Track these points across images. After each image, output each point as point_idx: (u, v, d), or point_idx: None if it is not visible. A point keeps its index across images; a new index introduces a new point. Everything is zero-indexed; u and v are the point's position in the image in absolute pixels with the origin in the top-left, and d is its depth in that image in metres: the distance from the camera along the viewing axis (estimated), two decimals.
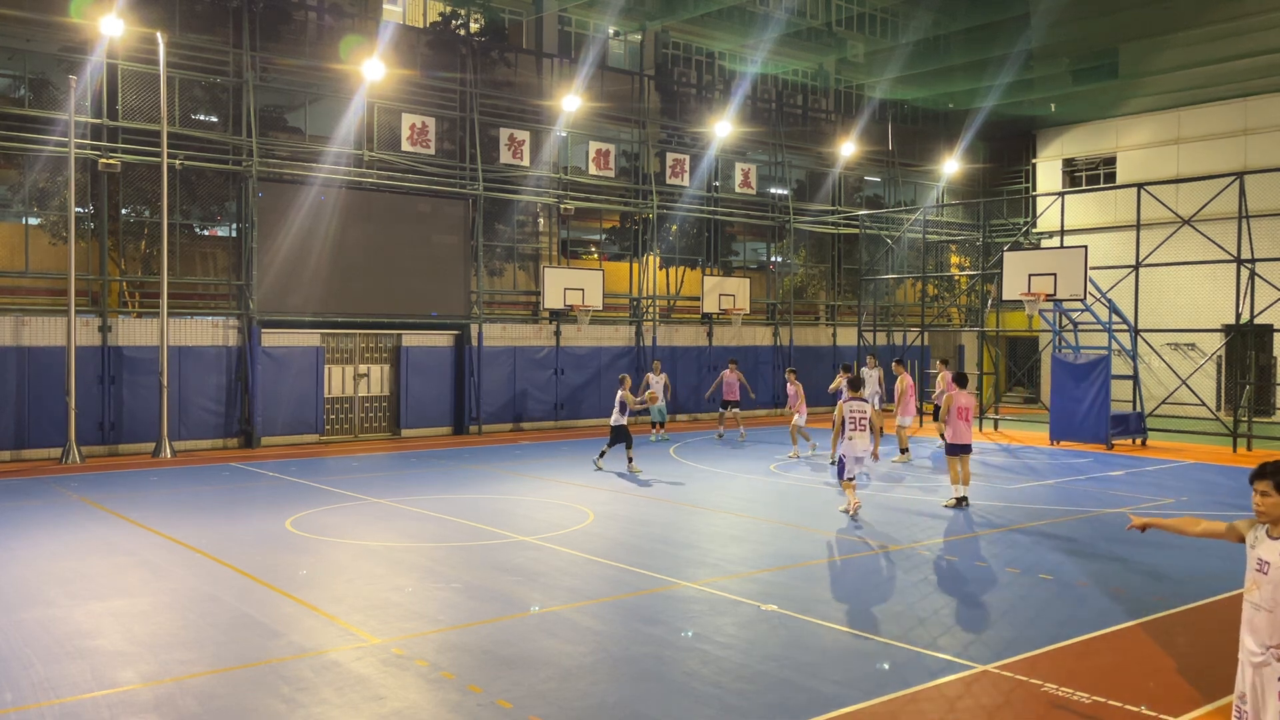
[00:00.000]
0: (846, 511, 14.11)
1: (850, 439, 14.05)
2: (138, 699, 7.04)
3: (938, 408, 21.42)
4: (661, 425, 24.53)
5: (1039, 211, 34.87)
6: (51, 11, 19.95)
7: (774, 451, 21.76)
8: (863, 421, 14.05)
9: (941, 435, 22.63)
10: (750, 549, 12.15)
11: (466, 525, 13.37)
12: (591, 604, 9.55)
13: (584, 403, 27.33)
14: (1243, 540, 5.15)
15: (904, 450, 20.37)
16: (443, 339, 25.01)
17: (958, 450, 14.97)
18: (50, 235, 20.56)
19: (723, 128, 29.22)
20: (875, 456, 14.39)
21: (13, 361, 19.55)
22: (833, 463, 14.69)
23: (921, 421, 27.05)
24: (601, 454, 18.93)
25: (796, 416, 21.12)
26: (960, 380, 15.47)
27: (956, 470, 15.03)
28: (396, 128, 24.15)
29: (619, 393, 18.63)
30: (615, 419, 18.54)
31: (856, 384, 14.66)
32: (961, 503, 14.94)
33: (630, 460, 18.47)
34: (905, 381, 21.18)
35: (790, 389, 21.79)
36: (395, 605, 9.44)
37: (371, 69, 22.75)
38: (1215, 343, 28.24)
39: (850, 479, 14.21)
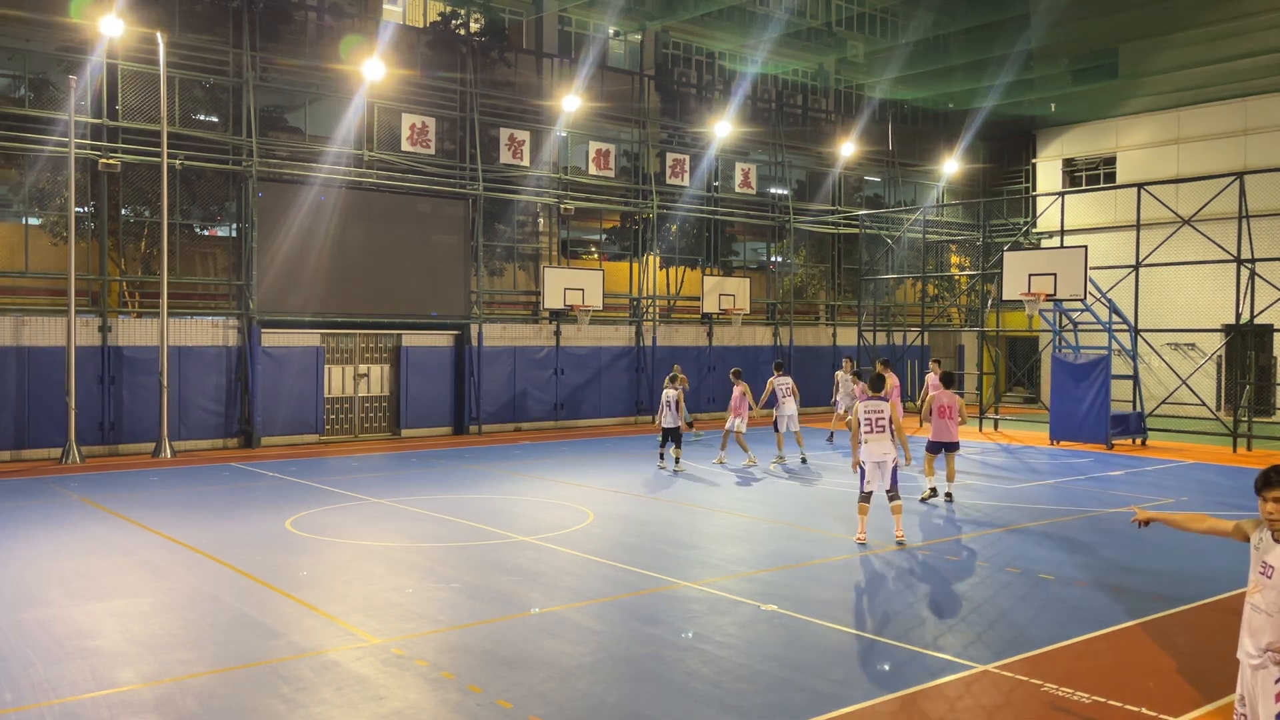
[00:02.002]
0: (860, 541, 12.31)
1: (865, 443, 12.42)
2: (138, 699, 7.04)
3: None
4: (690, 425, 24.16)
5: (1039, 211, 34.87)
6: (51, 11, 19.95)
7: (773, 451, 21.71)
8: (880, 423, 12.41)
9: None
10: (750, 549, 12.15)
11: (467, 525, 13.37)
12: (591, 604, 9.55)
13: (584, 403, 27.33)
14: (1248, 540, 5.13)
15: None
16: (443, 339, 25.00)
17: (935, 448, 15.55)
18: (50, 235, 20.55)
19: (723, 128, 29.22)
20: (908, 461, 12.97)
21: (13, 361, 19.55)
22: (853, 470, 12.93)
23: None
24: (661, 455, 19.05)
25: (736, 421, 19.30)
26: (947, 380, 15.95)
27: (930, 465, 15.61)
28: (396, 128, 24.15)
29: (668, 392, 18.65)
30: (670, 420, 18.54)
31: (878, 383, 13.00)
32: (935, 494, 15.38)
33: (677, 460, 18.86)
34: (891, 381, 20.94)
35: (736, 390, 19.52)
36: (395, 605, 9.44)
37: (371, 69, 22.75)
38: (1215, 343, 28.24)
39: (866, 496, 12.39)
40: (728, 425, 19.59)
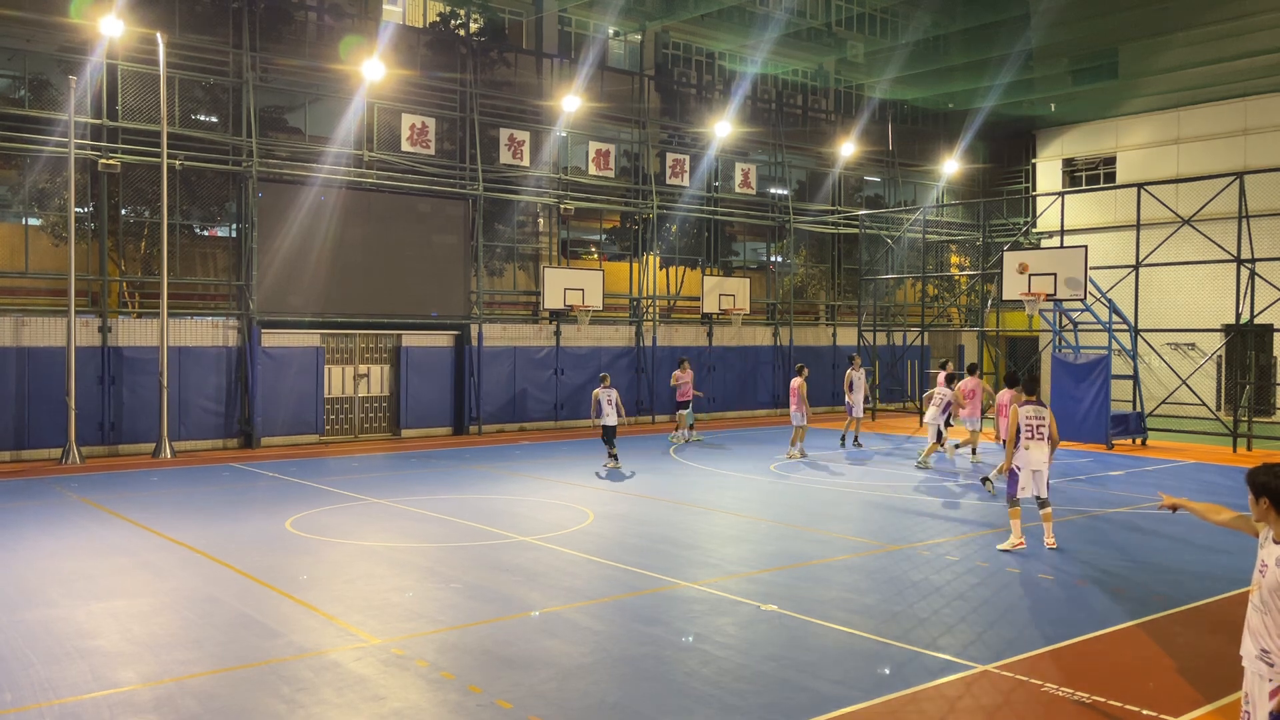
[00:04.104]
0: (1006, 550, 12.02)
1: (1027, 449, 12.16)
2: (138, 699, 7.04)
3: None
4: (691, 427, 23.87)
5: (1039, 211, 34.87)
6: (51, 11, 19.95)
7: (773, 451, 21.75)
8: (1041, 430, 12.15)
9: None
10: (750, 549, 12.15)
11: (467, 525, 13.37)
12: (591, 604, 9.55)
13: (584, 403, 27.25)
14: (1257, 534, 5.15)
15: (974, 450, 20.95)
16: (443, 339, 25.01)
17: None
18: (50, 235, 20.55)
19: (723, 128, 29.22)
20: (1004, 470, 12.64)
21: (13, 361, 19.55)
22: (996, 476, 12.67)
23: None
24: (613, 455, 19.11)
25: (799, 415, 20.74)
26: (1010, 380, 16.21)
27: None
28: (396, 128, 24.15)
29: (607, 391, 18.86)
30: (612, 418, 18.78)
31: (1032, 387, 12.73)
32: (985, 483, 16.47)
33: (614, 457, 19.02)
34: (970, 384, 20.50)
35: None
36: (395, 605, 9.44)
37: (371, 69, 22.75)
38: (1215, 343, 28.24)
39: (1017, 501, 12.22)
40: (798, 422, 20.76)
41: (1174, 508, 5.83)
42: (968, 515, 14.44)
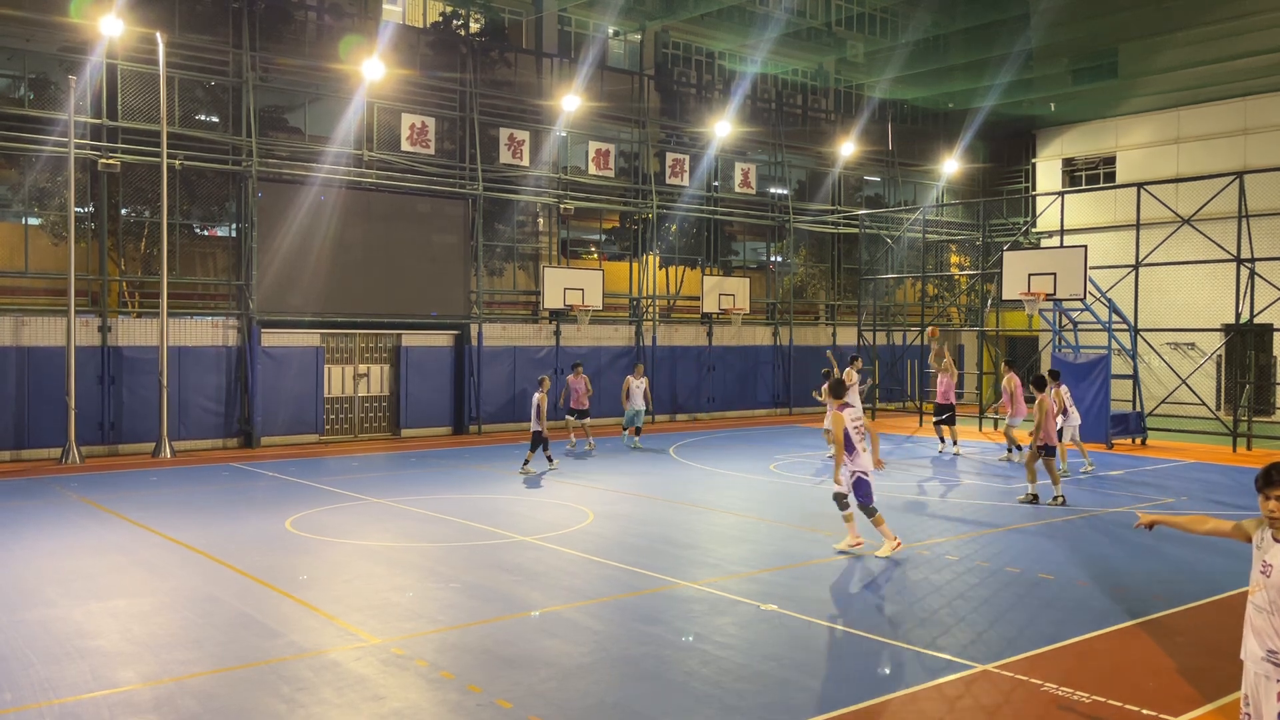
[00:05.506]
0: (849, 550, 11.72)
1: (865, 452, 11.55)
2: (138, 699, 7.04)
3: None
4: (637, 431, 22.69)
5: (1039, 211, 34.86)
6: (51, 11, 19.95)
7: (773, 451, 21.76)
8: (862, 430, 11.66)
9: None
10: (750, 549, 12.15)
11: (466, 525, 13.37)
12: (591, 604, 9.55)
13: None
14: (1250, 540, 5.15)
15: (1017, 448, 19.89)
16: (443, 339, 25.00)
17: (1051, 451, 15.30)
18: (50, 235, 20.56)
19: (722, 128, 29.22)
20: (879, 465, 11.90)
21: (13, 361, 19.55)
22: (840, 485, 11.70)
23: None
24: (527, 460, 18.50)
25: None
26: (1040, 383, 15.59)
27: (1053, 469, 15.30)
28: (396, 128, 24.15)
29: (537, 395, 18.21)
30: (534, 424, 18.14)
31: (839, 389, 11.89)
32: (1059, 500, 15.17)
33: (549, 459, 18.59)
34: (1014, 382, 20.11)
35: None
36: (395, 605, 9.44)
37: (371, 69, 22.75)
38: (1215, 342, 28.25)
39: (871, 504, 11.50)
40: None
41: (1151, 525, 5.81)
42: (967, 515, 14.44)
